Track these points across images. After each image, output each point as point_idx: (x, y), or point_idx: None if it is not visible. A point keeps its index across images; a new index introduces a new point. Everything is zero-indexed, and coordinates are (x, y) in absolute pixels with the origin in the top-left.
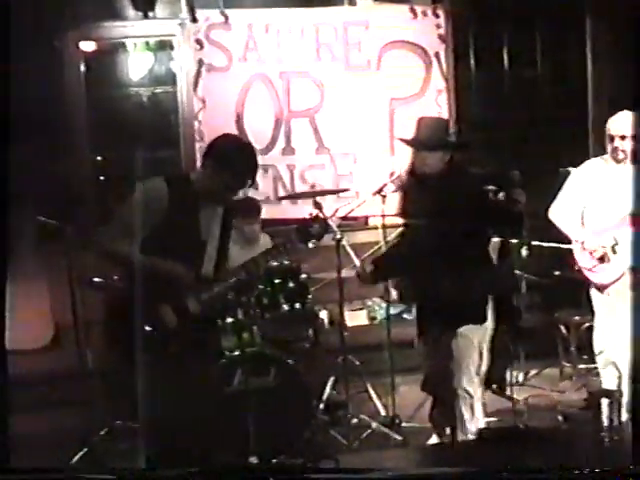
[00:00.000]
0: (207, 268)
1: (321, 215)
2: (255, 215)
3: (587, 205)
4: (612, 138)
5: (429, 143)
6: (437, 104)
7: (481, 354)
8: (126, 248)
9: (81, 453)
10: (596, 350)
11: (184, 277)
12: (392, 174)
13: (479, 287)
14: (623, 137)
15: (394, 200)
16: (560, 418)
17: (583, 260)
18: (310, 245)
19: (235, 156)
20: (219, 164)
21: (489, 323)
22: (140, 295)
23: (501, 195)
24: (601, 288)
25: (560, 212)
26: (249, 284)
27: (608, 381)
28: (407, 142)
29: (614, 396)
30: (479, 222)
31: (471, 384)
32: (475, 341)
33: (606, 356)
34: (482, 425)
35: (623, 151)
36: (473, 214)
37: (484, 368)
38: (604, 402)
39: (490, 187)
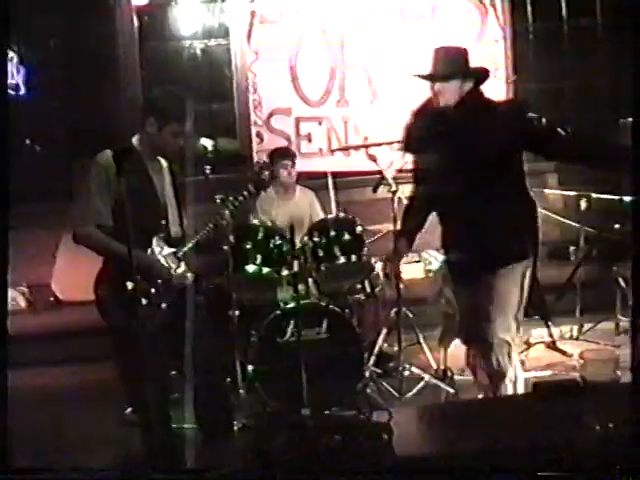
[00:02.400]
0: (175, 230)
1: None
2: (289, 160)
3: None
4: None
5: (446, 72)
6: (494, 54)
7: (522, 294)
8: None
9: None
10: None
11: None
12: None
13: (519, 221)
14: None
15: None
16: (618, 373)
17: None
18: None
19: (168, 103)
20: (158, 116)
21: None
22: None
23: (544, 121)
24: None
25: None
26: (216, 236)
27: None
28: (424, 77)
29: None
30: (516, 148)
31: (509, 332)
32: (518, 280)
33: None
34: (521, 375)
35: None
36: (510, 141)
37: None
38: None
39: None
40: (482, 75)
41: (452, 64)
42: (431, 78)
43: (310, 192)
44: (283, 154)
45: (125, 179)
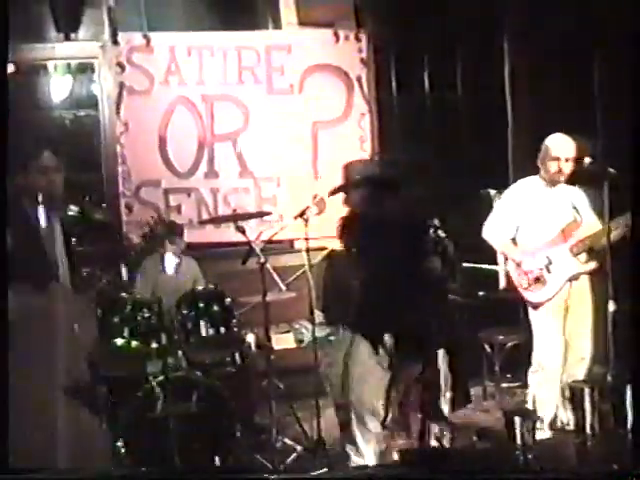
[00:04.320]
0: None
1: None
2: (177, 236)
3: (520, 225)
4: (557, 159)
5: (357, 183)
6: (360, 127)
7: None
8: None
9: None
10: (533, 367)
11: None
12: (315, 197)
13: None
14: (567, 159)
15: (317, 223)
16: (474, 438)
17: (519, 280)
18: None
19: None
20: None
21: None
22: None
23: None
24: (537, 306)
25: (494, 231)
26: None
27: (541, 397)
28: (338, 190)
29: (528, 415)
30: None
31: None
32: None
33: (543, 373)
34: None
35: (564, 173)
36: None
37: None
38: (517, 421)
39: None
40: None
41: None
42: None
43: (193, 262)
44: (170, 230)
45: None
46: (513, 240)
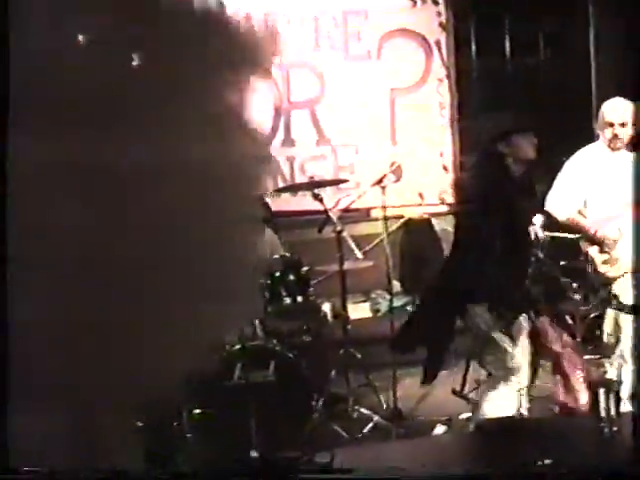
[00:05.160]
0: None
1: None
2: None
3: (588, 194)
4: (611, 125)
5: None
6: (438, 93)
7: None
8: None
9: None
10: (606, 339)
11: None
12: (392, 164)
13: None
14: (623, 124)
15: (394, 191)
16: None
17: (591, 251)
18: None
19: None
20: None
21: None
22: None
23: None
24: (610, 280)
25: (559, 202)
26: None
27: (612, 371)
28: None
29: (613, 386)
30: None
31: None
32: None
33: (617, 346)
34: None
35: (621, 139)
36: None
37: None
38: (601, 392)
39: None
40: None
41: None
42: None
43: (269, 230)
44: None
45: None
46: (580, 212)
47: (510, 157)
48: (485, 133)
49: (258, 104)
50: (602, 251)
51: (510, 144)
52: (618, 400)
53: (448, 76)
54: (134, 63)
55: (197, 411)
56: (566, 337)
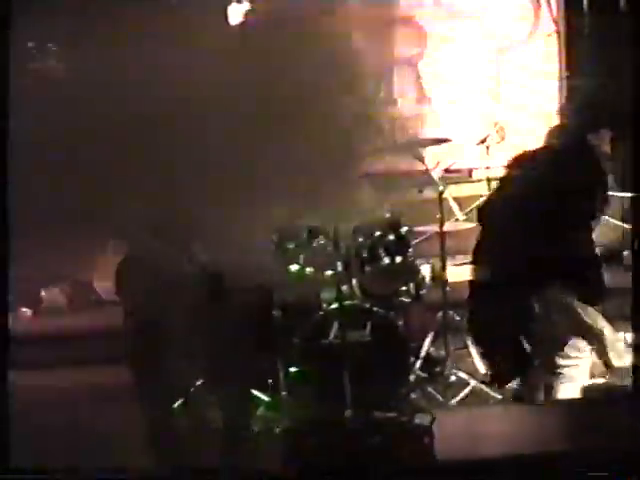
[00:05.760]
0: None
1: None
2: None
3: None
4: None
5: None
6: (546, 50)
7: None
8: None
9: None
10: None
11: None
12: (496, 124)
13: None
14: None
15: (498, 151)
16: None
17: None
18: None
19: None
20: None
21: None
22: None
23: None
24: None
25: None
26: None
27: None
28: None
29: None
30: None
31: None
32: None
33: None
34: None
35: None
36: None
37: None
38: None
39: None
40: None
41: None
42: None
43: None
44: None
45: None
46: None
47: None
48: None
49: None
50: None
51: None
52: None
53: (557, 32)
54: None
55: (293, 369)
56: None
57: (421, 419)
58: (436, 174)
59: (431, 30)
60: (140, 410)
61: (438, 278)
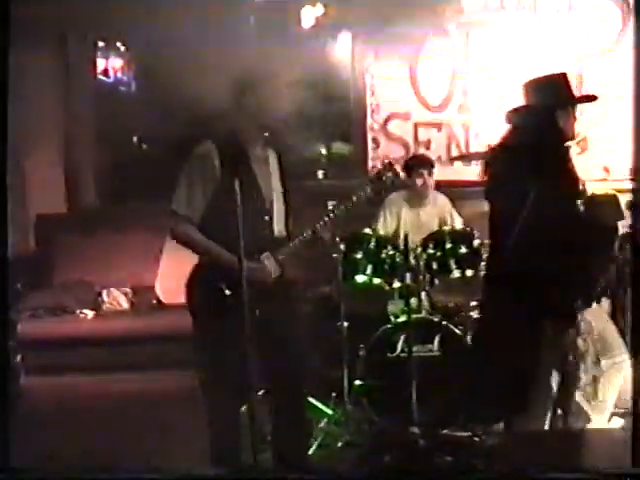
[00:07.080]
0: (279, 227)
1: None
2: (426, 169)
3: None
4: None
5: None
6: (634, 57)
7: None
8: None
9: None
10: None
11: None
12: (577, 135)
13: None
14: None
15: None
16: None
17: None
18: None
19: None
20: (248, 89)
21: None
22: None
23: None
24: None
25: None
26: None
27: None
28: None
29: None
30: None
31: None
32: None
33: None
34: None
35: None
36: None
37: None
38: None
39: None
40: None
41: None
42: None
43: (445, 199)
44: (420, 162)
45: (226, 172)
46: None
47: None
48: None
49: (435, 66)
50: None
51: None
52: None
53: None
54: None
55: (358, 382)
56: None
57: (491, 439)
58: None
59: (512, 35)
60: (205, 413)
61: None
